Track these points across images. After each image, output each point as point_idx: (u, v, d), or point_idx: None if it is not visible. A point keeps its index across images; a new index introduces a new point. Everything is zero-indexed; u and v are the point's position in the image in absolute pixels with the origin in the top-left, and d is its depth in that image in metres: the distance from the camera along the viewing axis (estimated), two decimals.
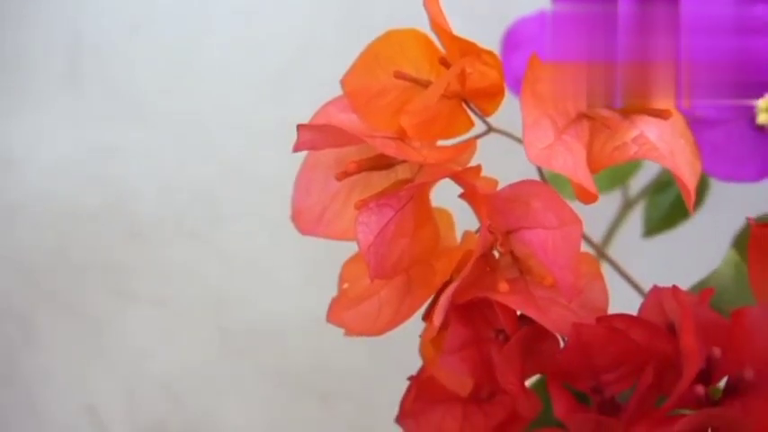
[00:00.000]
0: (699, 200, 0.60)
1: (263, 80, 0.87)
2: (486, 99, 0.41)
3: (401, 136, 0.40)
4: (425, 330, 0.41)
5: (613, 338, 0.37)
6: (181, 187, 0.86)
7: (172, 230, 0.86)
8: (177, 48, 0.88)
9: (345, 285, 0.43)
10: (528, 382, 0.40)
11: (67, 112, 0.87)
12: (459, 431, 0.41)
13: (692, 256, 0.49)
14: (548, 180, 0.43)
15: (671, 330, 0.37)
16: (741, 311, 0.35)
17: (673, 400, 0.34)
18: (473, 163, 0.41)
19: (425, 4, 0.39)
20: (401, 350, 0.45)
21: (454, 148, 0.41)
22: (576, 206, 0.38)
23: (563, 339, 0.39)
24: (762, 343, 0.34)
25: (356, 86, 0.41)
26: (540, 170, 0.44)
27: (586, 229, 0.46)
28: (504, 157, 0.44)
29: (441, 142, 0.41)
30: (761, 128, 0.45)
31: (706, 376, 0.35)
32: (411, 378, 0.42)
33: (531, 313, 0.38)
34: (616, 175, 0.62)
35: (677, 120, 0.40)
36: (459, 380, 0.41)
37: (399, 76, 0.40)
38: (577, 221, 0.37)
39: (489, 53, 0.39)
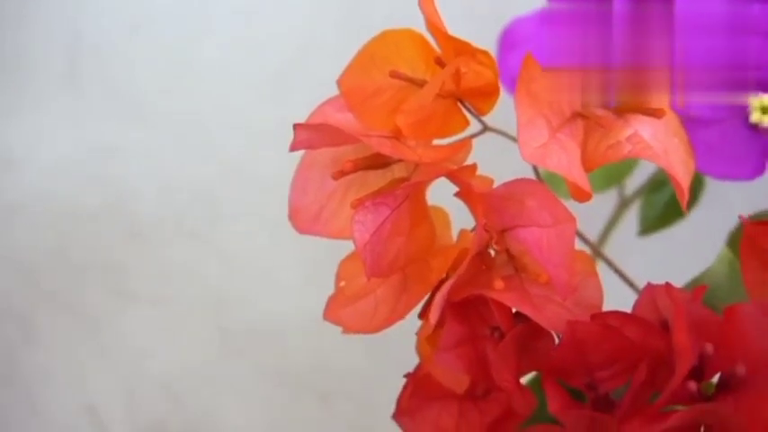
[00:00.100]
0: (693, 198, 0.60)
1: (262, 80, 0.87)
2: (481, 98, 0.41)
3: (397, 135, 0.40)
4: (422, 328, 0.42)
5: (607, 336, 0.37)
6: (181, 187, 0.86)
7: (172, 230, 0.86)
8: (177, 48, 0.88)
9: (342, 283, 0.44)
10: (524, 380, 0.40)
11: (67, 111, 0.87)
12: (455, 428, 0.41)
13: (687, 254, 0.49)
14: (543, 179, 0.43)
15: (665, 327, 0.37)
16: (734, 308, 0.35)
17: (665, 396, 0.34)
18: (469, 162, 0.41)
19: (421, 4, 0.40)
20: (400, 350, 0.45)
21: (450, 147, 0.41)
22: (572, 205, 0.38)
23: (558, 336, 0.39)
24: (754, 339, 0.34)
25: (352, 86, 0.41)
26: (535, 169, 0.44)
27: (583, 228, 0.46)
28: (499, 157, 0.44)
29: (436, 141, 0.42)
30: (754, 126, 0.46)
31: (699, 372, 0.36)
32: (407, 375, 0.42)
33: (527, 311, 0.38)
34: (612, 175, 0.63)
35: (671, 119, 0.40)
36: (455, 377, 0.41)
37: (395, 75, 0.41)
38: (571, 219, 0.37)
39: (484, 53, 0.39)
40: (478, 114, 0.42)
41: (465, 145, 0.42)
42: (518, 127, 0.38)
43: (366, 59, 0.41)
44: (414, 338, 0.43)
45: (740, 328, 0.35)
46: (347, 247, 0.41)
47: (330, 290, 0.44)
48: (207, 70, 0.88)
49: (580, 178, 0.38)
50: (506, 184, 0.39)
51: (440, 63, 0.40)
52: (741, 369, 0.34)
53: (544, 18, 0.43)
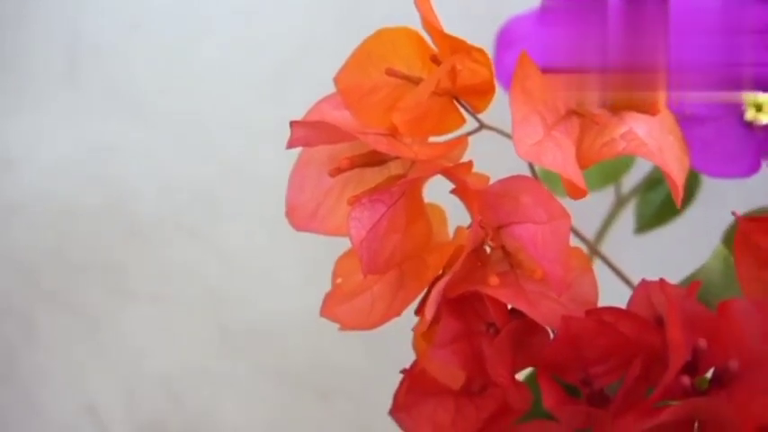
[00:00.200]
0: (689, 196, 0.61)
1: (262, 80, 0.87)
2: (476, 96, 0.41)
3: (393, 133, 0.40)
4: (418, 324, 0.42)
5: (602, 331, 0.37)
6: (181, 187, 0.87)
7: (171, 230, 0.86)
8: (177, 47, 0.88)
9: (339, 280, 0.44)
10: (521, 376, 0.41)
11: (67, 111, 0.87)
12: (451, 423, 0.41)
13: (684, 251, 0.49)
14: (539, 177, 0.44)
15: (659, 323, 0.37)
16: (727, 303, 0.35)
17: (659, 390, 0.34)
18: (465, 159, 0.41)
19: (416, 3, 0.40)
20: (400, 349, 0.45)
21: (446, 144, 0.41)
22: (569, 203, 0.39)
23: (553, 332, 0.39)
24: (747, 334, 0.35)
25: (349, 84, 0.41)
26: (531, 166, 0.44)
27: (580, 226, 0.47)
28: (495, 154, 0.44)
29: (432, 139, 0.42)
30: (749, 124, 0.46)
31: (693, 368, 0.36)
32: (404, 371, 0.43)
33: (522, 306, 0.38)
34: (609, 173, 0.63)
35: (666, 116, 0.40)
36: (451, 373, 0.41)
37: (391, 73, 0.41)
38: (566, 216, 0.37)
39: (479, 50, 0.40)
40: (474, 112, 0.42)
41: (461, 142, 0.42)
42: (513, 124, 0.38)
43: (363, 57, 0.41)
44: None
45: (733, 323, 0.35)
46: (347, 246, 0.41)
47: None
48: (207, 70, 0.88)
49: (575, 175, 0.38)
50: (502, 181, 0.39)
51: (436, 61, 0.41)
52: (734, 364, 0.35)
53: (540, 17, 0.43)
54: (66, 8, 0.88)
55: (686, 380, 0.35)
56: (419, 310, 0.42)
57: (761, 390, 0.34)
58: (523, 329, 0.39)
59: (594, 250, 0.51)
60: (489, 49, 0.42)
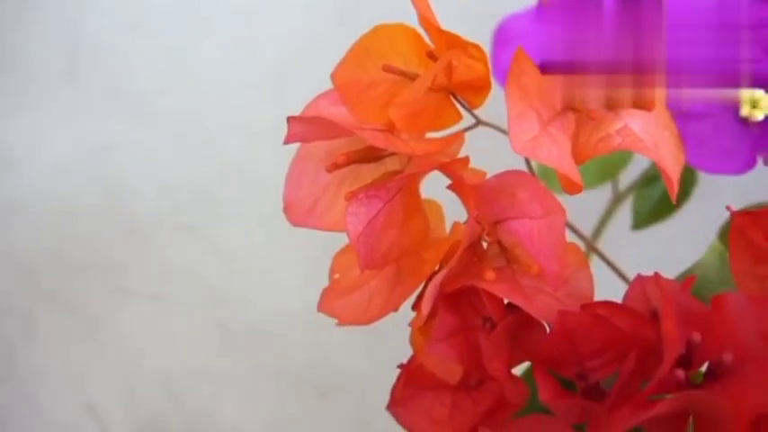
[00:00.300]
0: (686, 193, 0.61)
1: (262, 80, 0.87)
2: (472, 92, 0.41)
3: (390, 128, 0.40)
4: (415, 319, 0.42)
5: (597, 325, 0.37)
6: (180, 187, 0.87)
7: (171, 230, 0.86)
8: (177, 47, 0.88)
9: (336, 276, 0.44)
10: (518, 371, 0.41)
11: (67, 111, 0.88)
12: (448, 418, 0.41)
13: (680, 248, 0.49)
14: (536, 172, 0.44)
15: (654, 317, 0.37)
16: (721, 297, 0.35)
17: (653, 384, 0.34)
18: (461, 155, 0.42)
19: (413, 0, 0.40)
20: (399, 347, 0.45)
21: (442, 140, 0.41)
22: (566, 200, 0.39)
23: (549, 327, 0.39)
24: (741, 328, 0.35)
25: (346, 80, 0.41)
26: (527, 162, 0.44)
27: (577, 223, 0.47)
28: (492, 150, 0.45)
29: (429, 135, 0.42)
30: (745, 120, 0.46)
31: (687, 361, 0.36)
32: (401, 366, 0.43)
33: (518, 301, 0.38)
34: (606, 170, 0.63)
35: (661, 112, 0.40)
36: (447, 367, 0.41)
37: (388, 69, 0.41)
38: (561, 211, 0.37)
39: (475, 46, 0.40)
40: (471, 108, 0.43)
41: (457, 138, 0.42)
42: (509, 120, 0.38)
43: (360, 53, 0.42)
44: None
45: (727, 317, 0.35)
46: (346, 244, 0.42)
47: None
48: (207, 70, 0.88)
49: (571, 170, 0.39)
50: (498, 177, 0.39)
51: (432, 57, 0.41)
52: (728, 357, 0.35)
53: (537, 14, 0.43)
54: (65, 8, 0.88)
55: (680, 373, 0.35)
56: (416, 305, 0.42)
57: (755, 383, 0.34)
58: (520, 324, 0.39)
59: (591, 246, 0.52)
60: (487, 48, 0.42)
